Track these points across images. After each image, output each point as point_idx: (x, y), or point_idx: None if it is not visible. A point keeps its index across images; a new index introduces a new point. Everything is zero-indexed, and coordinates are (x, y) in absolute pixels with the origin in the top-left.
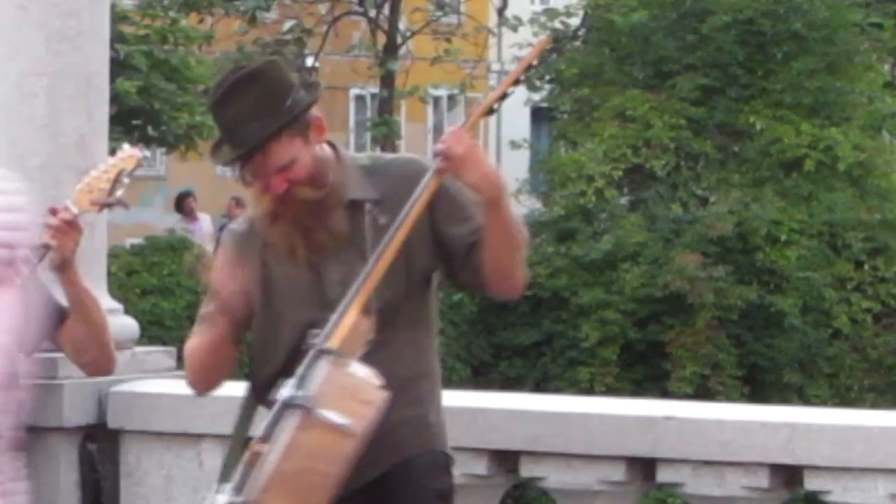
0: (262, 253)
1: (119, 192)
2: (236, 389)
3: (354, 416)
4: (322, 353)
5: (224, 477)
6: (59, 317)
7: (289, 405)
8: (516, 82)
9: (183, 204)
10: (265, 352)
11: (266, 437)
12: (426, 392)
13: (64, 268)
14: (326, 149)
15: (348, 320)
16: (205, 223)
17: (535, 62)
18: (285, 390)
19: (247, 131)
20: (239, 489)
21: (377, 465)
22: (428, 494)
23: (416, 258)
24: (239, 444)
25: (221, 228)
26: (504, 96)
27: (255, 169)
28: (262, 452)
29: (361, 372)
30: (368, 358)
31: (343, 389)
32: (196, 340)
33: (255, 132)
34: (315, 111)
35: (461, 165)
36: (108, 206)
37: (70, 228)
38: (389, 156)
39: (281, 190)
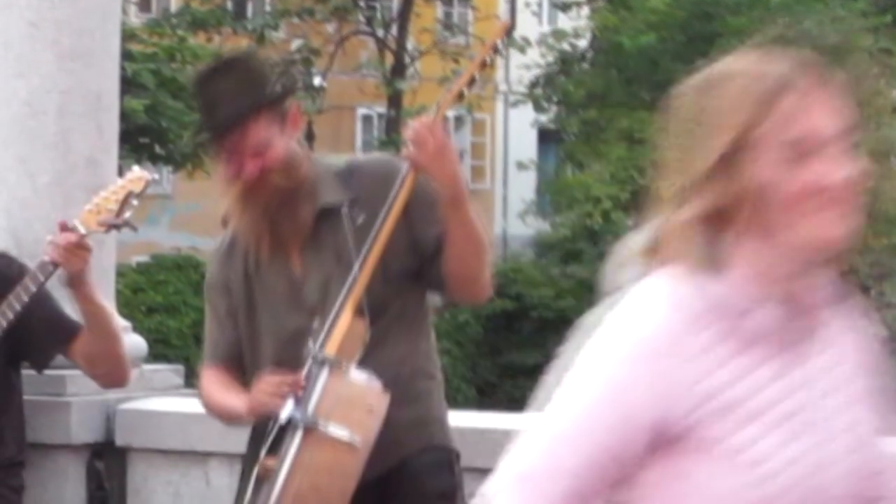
0: (244, 264)
1: (127, 214)
2: None
3: (358, 428)
4: (320, 361)
5: (239, 500)
6: (72, 332)
7: (292, 424)
8: (483, 66)
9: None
10: (252, 366)
11: (274, 453)
12: (423, 389)
13: (75, 284)
14: (298, 147)
15: (342, 324)
16: None
17: (502, 40)
18: (287, 408)
19: (227, 110)
20: None
21: (376, 466)
22: (429, 495)
23: (391, 255)
24: (251, 465)
25: None
26: (472, 81)
27: (231, 149)
28: (273, 468)
29: (361, 378)
30: (361, 358)
31: (344, 400)
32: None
33: (235, 110)
34: (292, 103)
35: (434, 159)
36: (116, 227)
37: (77, 248)
38: (364, 156)
39: (253, 174)
